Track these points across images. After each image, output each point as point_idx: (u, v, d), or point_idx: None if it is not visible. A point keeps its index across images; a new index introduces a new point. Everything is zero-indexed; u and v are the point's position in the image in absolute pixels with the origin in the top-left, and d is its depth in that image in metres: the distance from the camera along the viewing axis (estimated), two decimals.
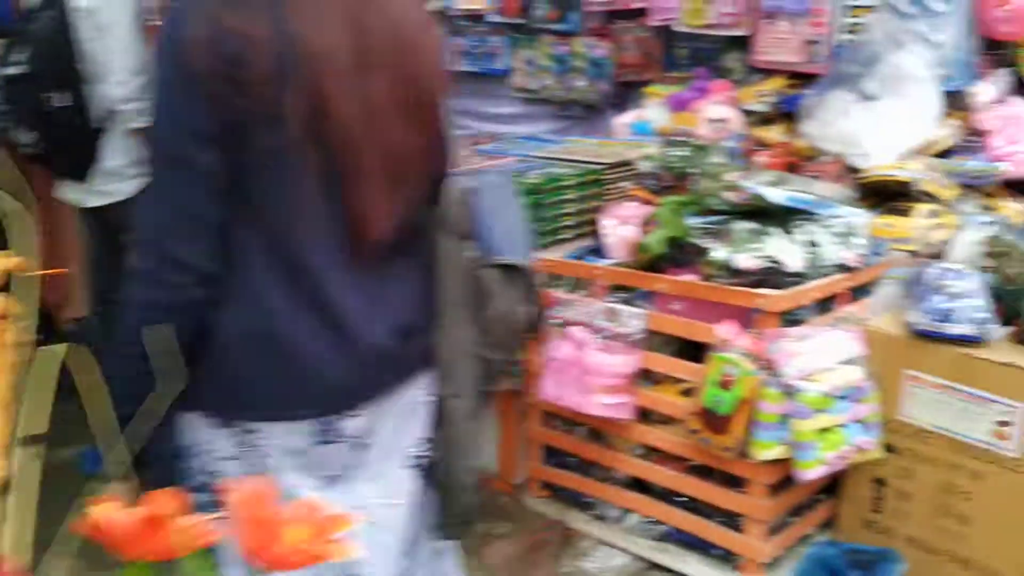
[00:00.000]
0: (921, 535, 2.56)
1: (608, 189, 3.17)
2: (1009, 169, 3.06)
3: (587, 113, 4.88)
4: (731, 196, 2.57)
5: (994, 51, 3.37)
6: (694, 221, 2.59)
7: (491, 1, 4.99)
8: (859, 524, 2.70)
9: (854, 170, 3.04)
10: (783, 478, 2.50)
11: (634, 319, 2.63)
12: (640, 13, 4.33)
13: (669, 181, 2.92)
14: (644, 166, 2.94)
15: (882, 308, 2.67)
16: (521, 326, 1.53)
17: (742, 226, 2.53)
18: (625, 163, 3.15)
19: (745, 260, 2.44)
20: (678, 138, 2.94)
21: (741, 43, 3.94)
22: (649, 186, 3.02)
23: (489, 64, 5.23)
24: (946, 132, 3.12)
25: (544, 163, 3.27)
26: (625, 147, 3.44)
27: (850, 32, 3.43)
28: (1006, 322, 2.48)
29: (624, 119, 4.02)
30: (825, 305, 2.60)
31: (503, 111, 5.31)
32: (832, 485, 2.73)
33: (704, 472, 2.69)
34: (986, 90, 3.19)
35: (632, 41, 4.45)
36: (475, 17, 5.18)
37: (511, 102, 5.24)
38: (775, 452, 2.37)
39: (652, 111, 3.91)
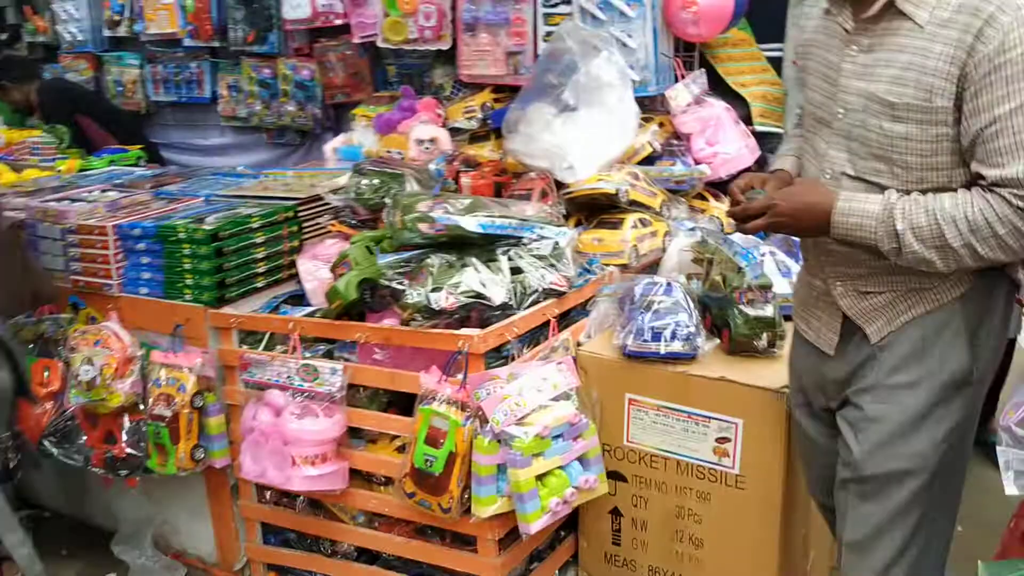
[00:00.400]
0: (660, 563, 2.44)
1: (306, 227, 2.86)
2: (708, 171, 3.04)
3: (303, 139, 4.55)
4: (425, 228, 2.33)
5: (688, 52, 3.38)
6: (387, 259, 2.34)
7: (184, 24, 4.53)
8: (601, 559, 2.55)
9: (562, 185, 2.90)
10: (515, 527, 2.29)
11: (335, 375, 2.33)
12: (344, 30, 4.05)
13: (365, 214, 2.65)
14: (333, 200, 2.65)
15: (597, 330, 2.53)
16: (5, 394, 1.22)
17: (438, 260, 2.30)
18: (320, 197, 2.84)
19: (443, 298, 2.21)
20: (370, 167, 2.67)
21: (449, 57, 3.76)
22: (348, 221, 2.74)
23: (192, 92, 4.77)
24: (647, 138, 3.06)
25: (235, 203, 2.91)
26: (328, 178, 3.14)
27: (548, 41, 3.32)
28: (716, 332, 2.41)
29: (333, 145, 3.72)
30: (538, 334, 2.43)
31: (212, 142, 4.87)
32: (573, 517, 2.56)
33: (435, 531, 2.44)
34: (682, 93, 3.17)
35: (338, 60, 4.16)
36: (170, 42, 4.70)
37: (220, 132, 4.80)
38: (496, 507, 2.15)
39: (360, 134, 3.64)
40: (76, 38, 4.98)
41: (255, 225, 2.68)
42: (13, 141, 4.25)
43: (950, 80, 1.51)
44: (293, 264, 2.79)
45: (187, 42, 4.56)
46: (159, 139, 4.99)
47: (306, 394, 2.37)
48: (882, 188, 1.63)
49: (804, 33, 1.88)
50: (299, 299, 2.78)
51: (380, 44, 3.81)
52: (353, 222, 2.70)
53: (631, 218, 2.82)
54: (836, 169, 1.70)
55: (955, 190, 1.57)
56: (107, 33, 4.92)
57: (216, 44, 4.52)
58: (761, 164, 3.15)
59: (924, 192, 1.59)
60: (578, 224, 2.91)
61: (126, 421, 2.69)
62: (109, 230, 2.73)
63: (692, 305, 2.36)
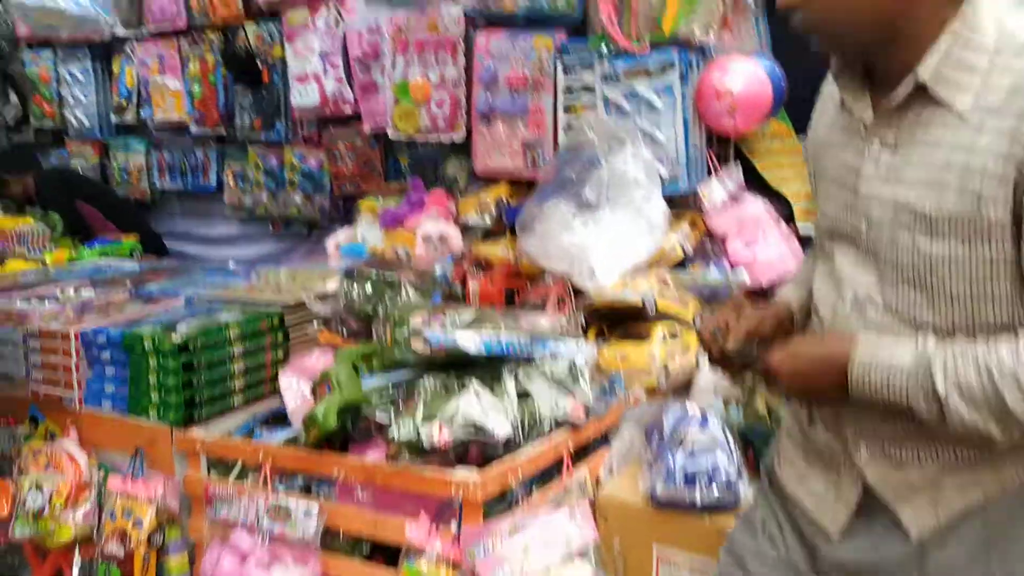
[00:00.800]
0: None
1: (293, 336, 2.55)
2: (747, 278, 2.71)
3: (311, 231, 4.29)
4: (418, 346, 2.01)
5: (722, 145, 3.09)
6: (374, 382, 2.01)
7: (191, 110, 4.34)
8: None
9: (581, 292, 2.58)
10: None
11: (309, 518, 1.99)
12: (354, 118, 3.83)
13: (357, 325, 2.33)
14: (319, 309, 2.34)
15: (620, 464, 2.17)
16: None
17: (432, 383, 1.97)
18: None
19: (437, 432, 1.87)
20: (362, 270, 2.37)
21: (464, 148, 3.50)
22: (339, 331, 2.42)
23: (198, 181, 4.56)
24: (678, 240, 2.75)
25: (217, 306, 2.62)
26: (323, 278, 2.85)
27: (568, 133, 3.05)
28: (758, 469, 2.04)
29: (336, 240, 3.44)
30: (549, 474, 2.07)
31: (218, 232, 4.63)
32: None
33: None
34: (716, 189, 2.87)
35: (347, 150, 3.93)
36: (177, 128, 4.51)
37: (226, 222, 4.57)
38: None
39: (366, 229, 3.37)
40: (83, 124, 4.81)
41: (233, 335, 2.37)
42: (4, 229, 4.04)
43: (1004, 184, 1.14)
44: (277, 377, 2.47)
45: (193, 129, 4.37)
46: (164, 228, 4.77)
47: (276, 538, 2.02)
48: (920, 325, 1.25)
49: (815, 131, 1.48)
50: (283, 418, 2.46)
51: (391, 134, 3.57)
52: (344, 333, 2.39)
53: (660, 330, 2.48)
54: (860, 294, 1.31)
55: (1018, 332, 1.19)
56: (114, 119, 4.74)
57: (223, 131, 4.32)
58: None
59: (974, 333, 1.20)
60: (599, 335, 2.57)
61: (77, 556, 2.35)
62: (72, 336, 2.44)
63: (732, 441, 2.00)
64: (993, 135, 1.16)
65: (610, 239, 2.59)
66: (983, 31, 1.20)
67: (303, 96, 3.85)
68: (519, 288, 2.72)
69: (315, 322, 2.51)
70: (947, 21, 1.21)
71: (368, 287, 2.28)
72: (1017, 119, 1.14)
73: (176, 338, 2.26)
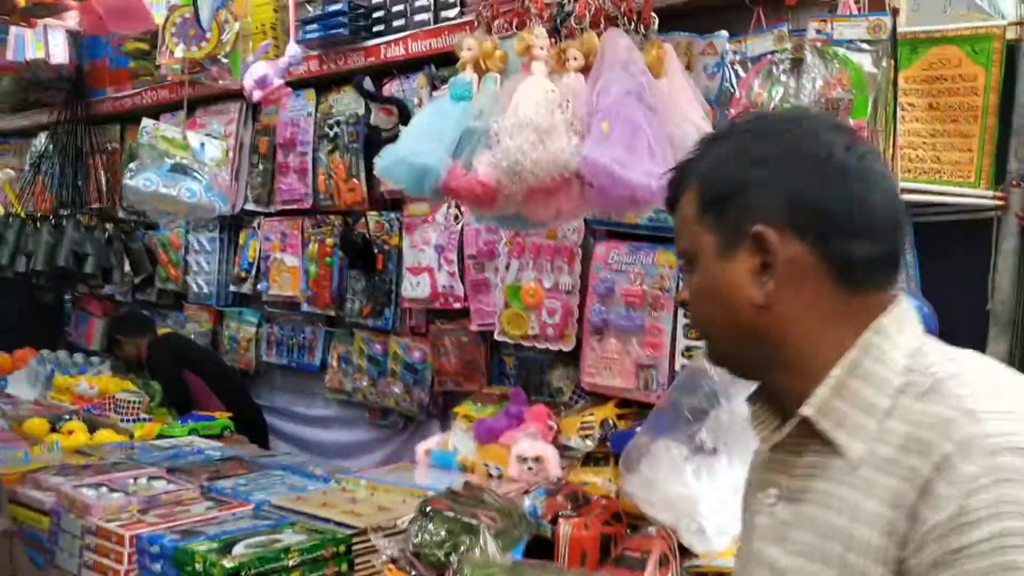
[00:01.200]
0: None
1: (359, 564, 2.29)
2: None
3: (407, 424, 4.10)
4: None
5: None
6: None
7: (305, 289, 4.33)
8: None
9: (686, 550, 2.25)
10: None
11: None
12: (463, 314, 3.69)
13: (426, 570, 2.06)
14: (385, 548, 2.08)
15: None
16: None
17: None
18: (379, 529, 2.29)
19: None
20: (439, 508, 2.11)
21: (572, 359, 3.29)
22: (407, 571, 2.15)
23: (303, 358, 4.49)
24: None
25: (284, 520, 2.41)
26: (405, 496, 2.61)
27: (687, 358, 2.79)
28: None
29: (426, 446, 3.22)
30: None
31: (315, 412, 4.52)
32: None
33: None
34: None
35: (453, 345, 3.77)
36: (289, 304, 4.50)
37: (325, 403, 4.45)
38: None
39: (459, 439, 3.14)
40: (203, 290, 4.88)
41: (292, 562, 2.13)
42: (106, 392, 4.02)
43: (887, 566, 0.87)
44: None
45: (305, 307, 4.35)
46: (263, 400, 4.70)
47: None
48: None
49: (754, 458, 1.18)
50: None
51: (498, 336, 3.41)
52: (412, 573, 2.11)
53: None
54: None
55: None
56: (232, 288, 4.80)
57: (332, 313, 4.27)
58: None
59: None
60: None
61: None
62: (126, 541, 2.26)
63: None
64: (881, 498, 0.88)
65: (725, 493, 2.26)
66: (889, 364, 0.94)
67: (414, 287, 3.76)
68: (617, 535, 2.39)
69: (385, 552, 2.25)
70: (845, 349, 0.96)
71: (443, 531, 2.01)
72: (901, 480, 0.86)
73: (228, 563, 2.03)
